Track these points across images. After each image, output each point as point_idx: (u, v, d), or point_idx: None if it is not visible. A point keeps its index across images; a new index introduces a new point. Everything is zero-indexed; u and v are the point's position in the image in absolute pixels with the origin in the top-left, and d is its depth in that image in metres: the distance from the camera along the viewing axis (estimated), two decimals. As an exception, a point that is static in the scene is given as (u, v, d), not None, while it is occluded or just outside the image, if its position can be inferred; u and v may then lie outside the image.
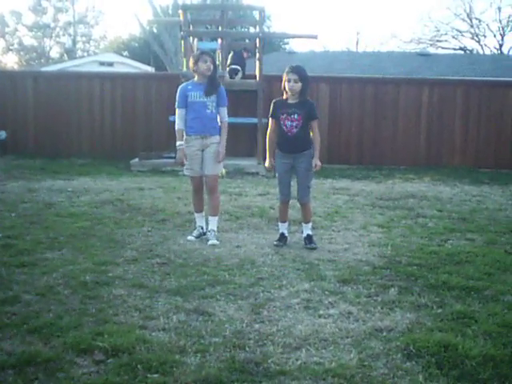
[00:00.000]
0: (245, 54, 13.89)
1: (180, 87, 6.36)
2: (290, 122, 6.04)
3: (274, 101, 6.25)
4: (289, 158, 6.12)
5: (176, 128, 6.33)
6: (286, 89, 6.04)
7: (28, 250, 5.62)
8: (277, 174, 6.32)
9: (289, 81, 5.99)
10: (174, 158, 12.05)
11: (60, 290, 4.50)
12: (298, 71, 6.00)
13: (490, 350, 3.53)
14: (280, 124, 6.09)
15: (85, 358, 3.36)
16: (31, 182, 10.11)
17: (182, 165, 6.40)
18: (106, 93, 14.44)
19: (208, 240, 6.22)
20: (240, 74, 13.26)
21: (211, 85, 6.24)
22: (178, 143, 6.31)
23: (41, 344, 3.51)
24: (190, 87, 6.28)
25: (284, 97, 6.13)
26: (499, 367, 3.35)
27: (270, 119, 6.23)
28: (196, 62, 6.22)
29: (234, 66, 13.25)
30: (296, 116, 6.03)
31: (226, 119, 6.42)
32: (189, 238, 6.33)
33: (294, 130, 6.05)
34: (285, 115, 6.04)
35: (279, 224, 6.39)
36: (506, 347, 3.60)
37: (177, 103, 6.33)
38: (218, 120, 6.35)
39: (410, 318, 4.12)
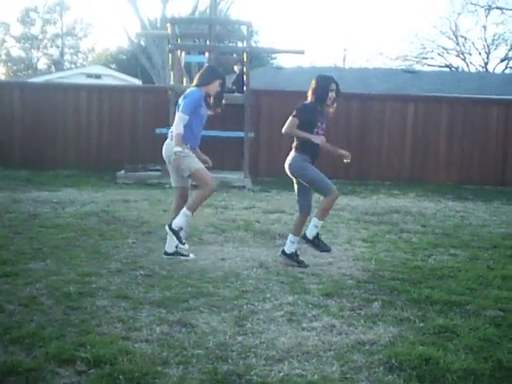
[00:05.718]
0: (236, 67, 13.95)
1: (197, 95, 5.94)
2: (322, 131, 5.99)
3: (308, 104, 6.01)
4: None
5: (180, 132, 5.77)
6: (330, 97, 5.96)
7: (12, 260, 5.59)
8: (315, 175, 5.99)
9: (332, 90, 5.94)
10: (160, 170, 12.22)
11: (43, 301, 4.48)
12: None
13: (471, 364, 3.56)
14: (312, 131, 5.91)
15: (67, 369, 3.35)
16: (16, 193, 10.06)
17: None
18: (93, 105, 14.38)
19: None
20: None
21: (216, 104, 6.14)
22: (180, 149, 5.74)
23: (23, 354, 3.50)
24: (200, 98, 5.97)
25: (309, 101, 6.01)
26: (480, 381, 3.39)
27: (296, 119, 5.86)
28: (216, 79, 6.02)
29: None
30: (325, 126, 6.05)
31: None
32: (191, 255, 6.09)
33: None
34: (319, 123, 5.94)
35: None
36: (486, 361, 3.63)
37: (189, 109, 5.83)
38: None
39: (393, 331, 4.14)
